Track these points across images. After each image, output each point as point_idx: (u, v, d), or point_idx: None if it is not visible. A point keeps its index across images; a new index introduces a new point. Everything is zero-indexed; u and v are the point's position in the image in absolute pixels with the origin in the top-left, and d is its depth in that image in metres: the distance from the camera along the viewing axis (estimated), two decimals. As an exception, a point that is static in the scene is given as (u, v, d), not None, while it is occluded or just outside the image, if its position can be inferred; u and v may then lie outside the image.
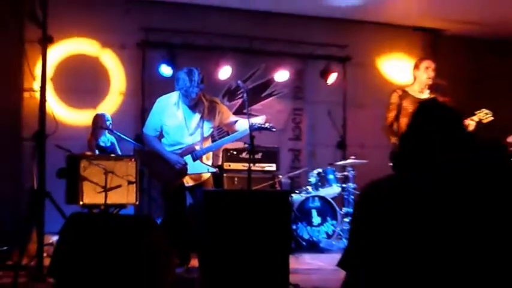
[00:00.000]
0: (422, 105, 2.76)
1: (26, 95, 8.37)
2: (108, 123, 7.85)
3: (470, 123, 6.19)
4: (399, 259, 2.31)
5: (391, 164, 4.85)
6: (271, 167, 8.22)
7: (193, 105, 5.79)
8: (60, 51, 8.49)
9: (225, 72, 9.14)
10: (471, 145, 2.66)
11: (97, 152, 7.66)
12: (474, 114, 6.22)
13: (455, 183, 2.35)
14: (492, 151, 2.69)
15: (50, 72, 6.87)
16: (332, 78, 9.68)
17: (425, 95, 6.27)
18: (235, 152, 7.85)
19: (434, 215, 2.28)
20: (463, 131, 2.68)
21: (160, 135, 5.90)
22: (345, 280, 2.52)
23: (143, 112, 8.36)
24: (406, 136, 2.69)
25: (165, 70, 8.72)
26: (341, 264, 2.54)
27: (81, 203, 6.85)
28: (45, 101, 5.14)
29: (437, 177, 2.39)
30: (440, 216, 2.27)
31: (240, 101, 9.28)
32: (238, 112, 8.66)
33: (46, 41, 4.95)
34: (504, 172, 2.55)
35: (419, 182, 2.40)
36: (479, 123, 6.18)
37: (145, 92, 8.91)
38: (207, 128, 5.90)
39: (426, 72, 6.29)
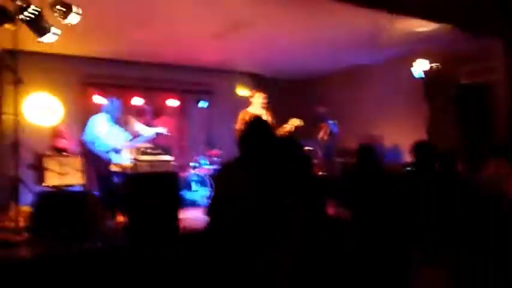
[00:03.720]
0: (251, 120, 2.84)
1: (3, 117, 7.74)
2: (62, 132, 7.44)
3: (287, 126, 6.37)
4: (236, 211, 2.36)
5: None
6: (167, 157, 8.09)
7: (115, 121, 5.64)
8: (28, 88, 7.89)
9: (136, 100, 8.92)
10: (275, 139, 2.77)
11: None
12: (288, 121, 6.42)
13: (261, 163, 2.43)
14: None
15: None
16: (202, 104, 9.67)
17: (260, 112, 6.34)
18: (144, 149, 7.67)
19: (251, 184, 2.36)
20: (272, 133, 2.78)
21: (94, 141, 5.69)
22: (209, 222, 2.56)
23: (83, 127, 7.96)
24: (241, 137, 2.75)
25: (98, 100, 8.35)
26: (206, 213, 2.58)
27: (44, 184, 6.47)
28: (17, 121, 4.76)
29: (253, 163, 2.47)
30: (250, 184, 2.36)
31: (146, 118, 9.07)
32: (146, 125, 8.45)
33: (18, 82, 4.61)
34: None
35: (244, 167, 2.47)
36: (293, 126, 6.38)
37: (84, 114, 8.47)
38: (124, 134, 5.75)
39: (259, 99, 6.40)
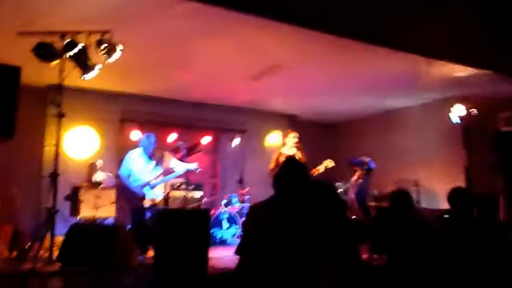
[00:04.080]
0: (285, 160, 2.84)
1: (46, 148, 8.03)
2: (98, 166, 7.65)
3: (321, 168, 6.33)
4: (265, 251, 2.33)
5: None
6: (199, 193, 8.18)
7: (150, 156, 5.73)
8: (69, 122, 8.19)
9: (172, 137, 9.09)
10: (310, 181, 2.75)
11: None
12: (322, 163, 6.38)
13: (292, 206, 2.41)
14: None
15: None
16: (235, 142, 9.77)
17: (292, 152, 6.35)
18: (177, 186, 7.80)
19: (281, 225, 2.33)
20: (306, 174, 2.76)
21: (129, 175, 5.78)
22: (238, 262, 2.53)
23: (120, 162, 8.14)
24: (276, 177, 2.74)
25: (135, 135, 8.59)
26: (235, 252, 2.55)
27: (79, 216, 6.61)
28: (58, 153, 4.91)
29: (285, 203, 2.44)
30: (283, 226, 2.33)
31: (180, 154, 9.21)
32: (180, 160, 8.58)
33: (61, 116, 4.78)
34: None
35: (275, 207, 2.45)
36: (326, 167, 6.33)
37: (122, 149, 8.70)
38: (158, 170, 5.83)
39: (292, 139, 6.41)
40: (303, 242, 2.27)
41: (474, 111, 7.60)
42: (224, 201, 8.45)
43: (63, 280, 4.19)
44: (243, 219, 8.36)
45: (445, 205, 4.11)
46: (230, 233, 8.01)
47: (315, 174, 6.33)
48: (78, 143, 8.40)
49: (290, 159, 2.80)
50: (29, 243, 5.12)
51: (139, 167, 5.75)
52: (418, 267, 3.55)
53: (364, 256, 4.14)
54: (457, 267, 3.55)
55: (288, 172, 2.58)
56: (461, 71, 7.12)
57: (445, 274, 3.53)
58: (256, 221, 2.46)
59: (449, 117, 7.87)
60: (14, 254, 5.27)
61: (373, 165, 8.09)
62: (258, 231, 2.39)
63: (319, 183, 2.74)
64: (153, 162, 5.80)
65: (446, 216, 4.19)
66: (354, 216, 7.79)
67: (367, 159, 8.14)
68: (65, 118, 5.13)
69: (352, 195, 8.18)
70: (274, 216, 2.36)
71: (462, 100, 7.80)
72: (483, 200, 4.34)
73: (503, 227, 4.00)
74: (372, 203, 8.20)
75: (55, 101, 4.81)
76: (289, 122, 10.81)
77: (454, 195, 3.98)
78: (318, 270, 2.24)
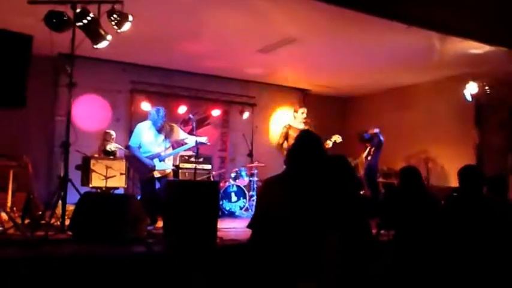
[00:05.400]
0: (300, 134, 2.83)
1: (56, 118, 8.09)
2: (112, 136, 7.72)
3: (329, 143, 6.33)
4: (277, 226, 2.34)
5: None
6: (208, 166, 8.24)
7: (159, 129, 5.76)
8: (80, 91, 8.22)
9: (182, 109, 9.11)
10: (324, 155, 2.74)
11: (102, 155, 7.50)
12: (330, 137, 6.36)
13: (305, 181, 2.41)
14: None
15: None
16: (245, 115, 9.77)
17: (301, 126, 6.34)
18: (187, 157, 7.85)
19: (294, 200, 2.34)
20: (322, 148, 2.76)
21: (139, 147, 5.82)
22: (251, 235, 2.55)
23: (131, 132, 8.19)
24: (291, 151, 2.73)
25: (145, 107, 8.61)
26: (248, 226, 2.58)
27: (90, 185, 6.69)
28: (69, 122, 4.92)
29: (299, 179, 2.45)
30: (297, 199, 2.34)
31: (190, 127, 9.24)
32: (190, 133, 8.62)
33: (72, 85, 4.78)
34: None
35: (289, 182, 2.45)
36: (334, 142, 6.32)
37: (132, 119, 8.77)
38: (167, 143, 5.87)
39: (302, 115, 6.39)
40: (315, 217, 2.28)
41: (488, 89, 7.50)
42: (233, 175, 8.50)
43: (74, 248, 4.27)
44: (252, 192, 8.45)
45: (454, 183, 4.12)
46: (238, 205, 8.09)
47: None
48: (89, 113, 8.43)
49: (304, 133, 2.78)
50: (41, 212, 5.20)
51: (148, 140, 5.77)
52: (425, 244, 3.58)
53: (373, 231, 4.17)
54: (465, 244, 3.57)
55: (302, 147, 2.57)
56: (476, 48, 6.99)
57: (452, 251, 3.56)
58: (269, 196, 2.47)
59: (462, 95, 7.78)
60: (27, 221, 5.36)
61: (382, 137, 8.01)
62: (271, 206, 2.40)
63: (334, 158, 2.72)
64: (162, 136, 5.82)
65: (455, 194, 4.20)
66: (362, 192, 7.81)
67: (376, 130, 8.01)
68: (76, 87, 5.12)
69: (361, 171, 8.19)
70: (288, 192, 2.37)
71: (476, 78, 7.68)
72: (493, 179, 4.31)
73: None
74: (381, 180, 8.21)
75: (66, 70, 4.80)
76: (300, 96, 10.78)
77: (464, 172, 3.97)
78: (331, 247, 2.26)
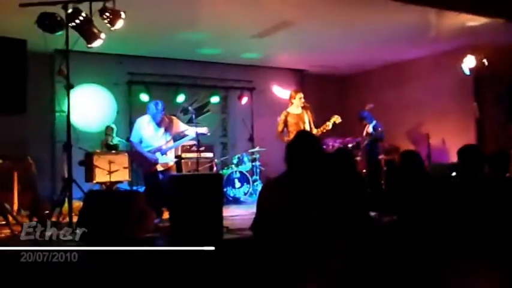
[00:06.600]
0: (298, 133, 2.84)
1: (56, 114, 8.12)
2: (114, 131, 7.78)
3: (328, 124, 6.33)
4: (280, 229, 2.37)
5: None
6: (210, 154, 8.30)
7: (159, 123, 5.80)
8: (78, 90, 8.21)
9: (181, 98, 9.12)
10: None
11: (105, 149, 7.57)
12: (330, 119, 6.36)
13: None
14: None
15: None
16: (244, 100, 9.78)
17: (300, 111, 6.33)
18: (188, 146, 7.91)
19: (295, 199, 2.37)
20: (320, 147, 2.77)
21: (140, 141, 5.86)
22: (254, 237, 2.57)
23: (131, 124, 8.23)
24: (290, 150, 2.70)
25: (144, 98, 8.63)
26: (250, 228, 2.61)
27: (94, 181, 6.77)
28: (69, 123, 4.90)
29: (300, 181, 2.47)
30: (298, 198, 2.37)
31: (189, 116, 9.28)
32: (190, 121, 8.68)
33: (69, 87, 4.77)
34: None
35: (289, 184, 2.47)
36: (334, 123, 6.32)
37: (131, 111, 8.79)
38: (168, 136, 5.90)
39: (299, 100, 6.36)
40: (318, 215, 2.32)
41: (485, 61, 7.47)
42: (235, 161, 8.56)
43: (83, 245, 4.34)
44: (255, 177, 8.52)
45: (455, 158, 4.14)
46: (242, 191, 8.18)
47: (324, 131, 6.34)
48: (88, 109, 8.47)
49: (302, 132, 2.81)
50: (48, 211, 5.28)
51: (149, 134, 5.81)
52: (427, 228, 3.63)
53: (374, 215, 4.22)
54: (465, 225, 3.62)
55: (301, 146, 2.58)
56: (472, 20, 6.95)
57: (453, 232, 3.61)
58: (272, 197, 2.50)
59: (460, 69, 7.76)
60: (34, 220, 5.45)
61: (379, 127, 8.05)
62: (274, 207, 2.42)
63: (335, 155, 2.74)
64: (162, 129, 5.85)
65: (454, 174, 4.23)
66: (364, 171, 7.87)
67: (368, 107, 8.04)
68: (73, 82, 5.08)
69: (362, 148, 8.24)
70: (290, 191, 2.40)
71: (474, 50, 7.65)
72: (495, 156, 4.34)
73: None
74: (383, 156, 8.24)
75: (62, 71, 4.79)
76: (298, 77, 10.75)
77: (462, 152, 4.00)
78: (331, 247, 2.30)
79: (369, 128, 8.12)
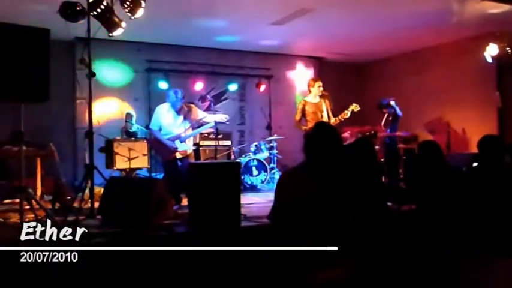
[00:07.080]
0: (316, 124, 2.86)
1: (78, 102, 8.23)
2: (133, 118, 7.88)
3: (346, 112, 6.30)
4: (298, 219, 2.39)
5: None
6: (228, 142, 8.35)
7: (178, 111, 5.85)
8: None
9: (198, 85, 9.17)
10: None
11: (125, 136, 7.68)
12: (349, 107, 6.33)
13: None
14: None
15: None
16: (262, 88, 9.77)
17: (317, 100, 6.32)
18: (206, 134, 7.97)
19: (313, 189, 2.39)
20: (339, 136, 2.78)
21: (160, 129, 5.93)
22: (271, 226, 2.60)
23: (150, 111, 8.33)
24: (309, 140, 2.72)
25: (162, 85, 8.70)
26: (268, 217, 2.64)
27: (114, 167, 6.88)
28: (91, 108, 4.99)
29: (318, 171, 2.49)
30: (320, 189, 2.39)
31: (208, 102, 9.33)
32: (208, 109, 8.75)
33: (91, 75, 4.85)
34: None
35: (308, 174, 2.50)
36: (352, 111, 6.29)
37: (150, 99, 8.87)
38: (187, 123, 5.96)
39: (318, 88, 6.35)
40: (337, 204, 2.34)
41: (509, 50, 7.33)
42: (253, 149, 8.60)
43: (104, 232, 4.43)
44: (272, 165, 8.55)
45: (476, 149, 4.10)
46: (260, 179, 8.22)
47: (342, 119, 6.33)
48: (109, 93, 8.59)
49: (319, 125, 2.82)
50: (70, 197, 5.40)
51: (168, 122, 5.88)
52: (446, 216, 3.63)
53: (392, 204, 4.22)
54: (485, 215, 3.61)
55: (319, 136, 2.60)
56: (495, 7, 6.82)
57: (472, 223, 3.60)
58: (290, 186, 2.53)
59: (482, 57, 7.63)
60: (57, 206, 5.58)
61: (399, 110, 7.94)
62: (292, 197, 2.46)
63: (355, 144, 2.74)
64: (182, 117, 5.92)
65: (474, 164, 4.20)
66: (382, 160, 7.82)
67: (392, 102, 7.91)
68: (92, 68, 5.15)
69: (380, 138, 8.17)
70: (309, 181, 2.42)
71: (496, 38, 7.50)
72: (515, 146, 4.29)
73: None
74: (402, 145, 8.17)
75: (84, 61, 4.87)
76: (316, 64, 10.70)
77: (482, 142, 3.96)
78: (348, 236, 2.33)
79: (390, 116, 7.99)
